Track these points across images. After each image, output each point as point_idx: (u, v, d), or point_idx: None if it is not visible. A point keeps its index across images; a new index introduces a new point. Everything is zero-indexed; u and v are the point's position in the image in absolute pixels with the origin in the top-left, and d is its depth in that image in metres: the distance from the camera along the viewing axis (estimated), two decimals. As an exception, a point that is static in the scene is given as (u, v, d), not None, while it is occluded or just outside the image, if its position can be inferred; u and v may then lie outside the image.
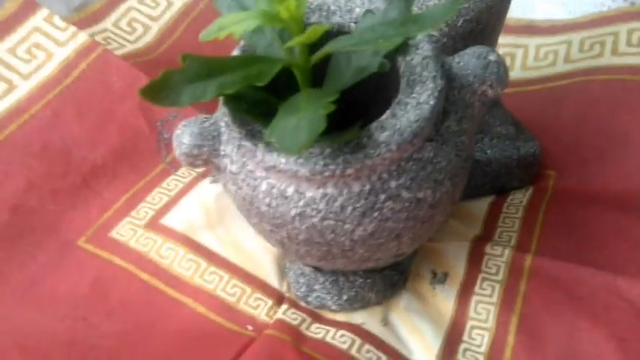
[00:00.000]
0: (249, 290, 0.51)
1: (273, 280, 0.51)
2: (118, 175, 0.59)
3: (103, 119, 0.62)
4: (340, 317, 0.49)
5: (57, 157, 0.60)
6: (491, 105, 0.56)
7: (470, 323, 0.47)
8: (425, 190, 0.38)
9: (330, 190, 0.36)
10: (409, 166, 0.37)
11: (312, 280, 0.49)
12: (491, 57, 0.39)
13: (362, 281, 0.48)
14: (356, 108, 0.40)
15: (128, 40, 0.72)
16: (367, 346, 0.47)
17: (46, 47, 0.64)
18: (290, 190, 0.37)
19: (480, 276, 0.49)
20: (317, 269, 0.49)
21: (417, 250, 0.52)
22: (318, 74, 0.38)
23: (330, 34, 0.38)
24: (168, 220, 0.55)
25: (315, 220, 0.37)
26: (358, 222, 0.37)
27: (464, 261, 0.51)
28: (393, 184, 0.37)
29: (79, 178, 0.59)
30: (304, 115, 0.32)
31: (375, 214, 0.37)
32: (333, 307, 0.49)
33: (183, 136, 0.40)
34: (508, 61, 0.68)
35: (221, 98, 0.38)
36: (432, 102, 0.37)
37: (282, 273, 0.52)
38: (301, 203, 0.37)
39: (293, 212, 0.38)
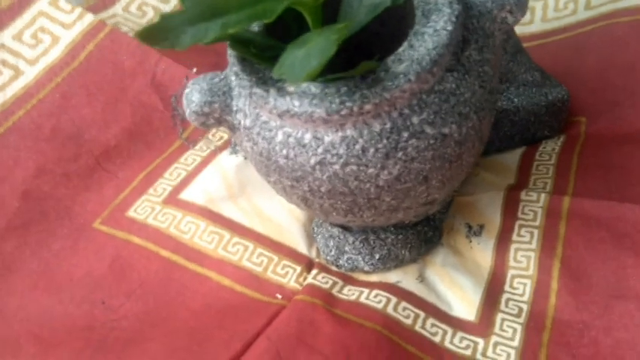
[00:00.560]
0: (276, 258, 0.49)
1: (301, 246, 0.49)
2: (133, 155, 0.58)
3: (114, 99, 0.60)
4: (374, 278, 0.47)
5: (68, 140, 0.59)
6: (514, 51, 0.54)
7: (510, 272, 0.45)
8: (450, 125, 0.35)
9: (349, 131, 0.34)
10: (431, 99, 0.34)
11: (341, 241, 0.47)
12: (509, -19, 0.37)
13: (394, 238, 0.46)
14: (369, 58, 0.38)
15: (139, 25, 0.70)
16: (404, 304, 0.44)
17: (51, 31, 0.63)
18: (307, 137, 0.35)
19: (517, 223, 0.47)
20: (346, 229, 0.47)
21: (449, 205, 0.50)
22: (330, 19, 0.36)
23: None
24: (188, 195, 0.53)
25: (337, 167, 0.35)
26: (382, 165, 0.35)
27: (499, 210, 0.48)
28: (415, 119, 0.34)
29: (91, 161, 0.58)
30: (314, 44, 0.30)
31: (399, 154, 0.35)
32: (366, 268, 0.47)
33: (193, 93, 0.38)
34: (528, 16, 0.66)
35: (228, 43, 0.36)
36: (449, 27, 0.34)
37: (310, 238, 0.50)
38: (320, 150, 0.35)
39: (312, 161, 0.36)
